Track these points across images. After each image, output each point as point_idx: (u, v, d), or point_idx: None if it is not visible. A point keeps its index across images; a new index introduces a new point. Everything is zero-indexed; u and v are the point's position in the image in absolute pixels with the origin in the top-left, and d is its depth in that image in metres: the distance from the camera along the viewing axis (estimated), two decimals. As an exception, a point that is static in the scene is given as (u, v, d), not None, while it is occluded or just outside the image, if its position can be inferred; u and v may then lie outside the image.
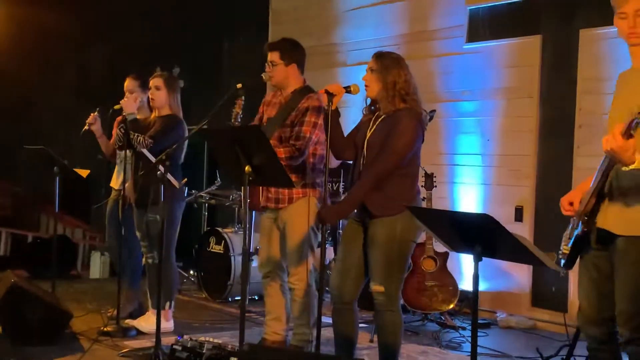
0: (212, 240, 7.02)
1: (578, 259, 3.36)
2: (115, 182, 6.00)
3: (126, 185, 5.49)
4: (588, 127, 6.01)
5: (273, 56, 4.70)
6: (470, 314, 5.08)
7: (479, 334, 3.85)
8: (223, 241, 6.86)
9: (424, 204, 5.56)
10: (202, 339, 4.35)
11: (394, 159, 3.92)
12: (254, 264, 6.09)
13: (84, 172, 5.78)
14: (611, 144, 2.91)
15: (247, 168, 3.85)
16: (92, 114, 5.73)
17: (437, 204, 6.43)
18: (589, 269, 3.33)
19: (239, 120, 4.62)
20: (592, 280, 3.32)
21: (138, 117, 5.36)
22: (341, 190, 6.89)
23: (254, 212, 4.90)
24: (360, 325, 4.56)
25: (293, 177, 4.35)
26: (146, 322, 5.36)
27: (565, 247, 3.34)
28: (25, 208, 10.49)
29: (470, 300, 3.01)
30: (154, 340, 4.55)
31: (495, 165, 6.70)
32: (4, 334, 4.94)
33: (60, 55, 10.29)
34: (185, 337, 4.42)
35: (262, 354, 3.65)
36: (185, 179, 5.30)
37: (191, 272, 7.58)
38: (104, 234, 6.27)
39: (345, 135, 4.18)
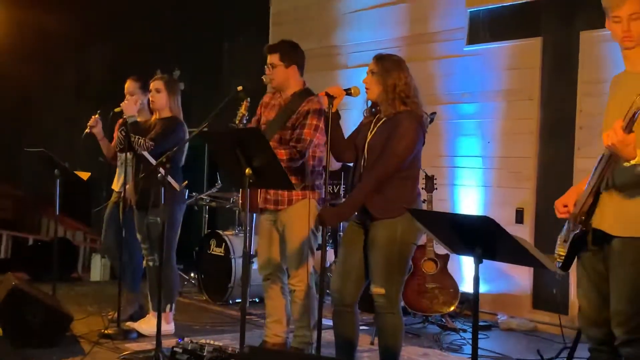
0: (213, 242, 7.02)
1: (575, 260, 3.37)
2: (117, 185, 6.00)
3: (127, 187, 5.49)
4: (588, 129, 6.01)
5: (273, 58, 4.69)
6: (471, 316, 5.09)
7: (479, 336, 3.84)
8: (223, 244, 6.86)
9: (424, 206, 5.56)
10: (203, 341, 4.35)
11: (394, 162, 3.92)
12: (255, 266, 6.08)
13: (84, 175, 5.78)
14: (612, 139, 2.92)
15: (247, 170, 3.85)
16: (93, 117, 5.74)
17: (438, 206, 6.43)
18: (588, 270, 3.34)
19: (244, 122, 4.62)
20: (591, 281, 3.33)
21: (138, 119, 5.36)
22: (342, 192, 6.89)
23: (254, 214, 4.90)
24: (361, 327, 4.57)
25: (293, 179, 4.35)
26: (147, 325, 5.36)
27: (562, 250, 3.34)
28: (25, 211, 10.48)
29: (471, 302, 3.00)
30: (155, 342, 4.56)
31: (496, 168, 6.69)
32: (4, 337, 4.94)
33: (60, 57, 10.28)
34: (186, 339, 4.42)
35: (262, 356, 3.65)
36: (186, 182, 5.30)
37: (192, 274, 7.58)
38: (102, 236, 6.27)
39: (345, 138, 4.19)
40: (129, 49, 9.76)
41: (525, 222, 6.44)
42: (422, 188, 5.22)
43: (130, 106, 5.34)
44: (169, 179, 4.66)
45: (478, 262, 2.87)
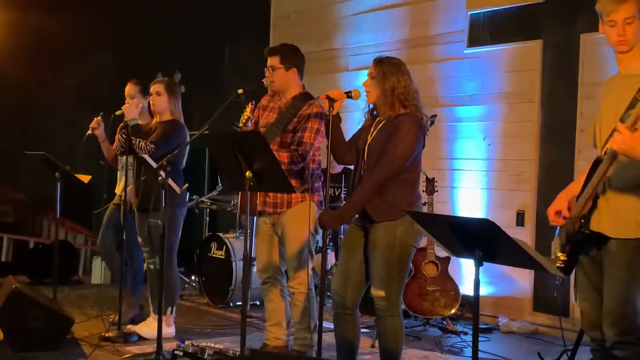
0: (214, 245, 7.01)
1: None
2: (119, 188, 6.01)
3: (128, 190, 5.50)
4: (589, 132, 6.01)
5: (273, 61, 4.70)
6: (472, 319, 5.08)
7: (480, 339, 3.85)
8: (224, 246, 6.86)
9: (425, 209, 5.56)
10: (204, 344, 4.33)
11: (394, 164, 3.92)
12: (255, 269, 6.08)
13: (85, 178, 5.78)
14: (622, 142, 2.94)
15: (247, 173, 3.85)
16: (95, 119, 5.75)
17: (439, 209, 6.43)
18: (587, 273, 3.37)
19: (249, 124, 4.62)
20: (591, 284, 3.35)
21: (139, 122, 5.37)
22: (343, 195, 6.89)
23: (254, 217, 4.90)
24: (362, 330, 4.57)
25: (293, 182, 4.35)
26: (148, 328, 5.36)
27: (562, 255, 3.35)
28: (26, 214, 10.49)
29: (472, 305, 3.00)
30: (156, 345, 4.56)
31: (497, 170, 6.70)
32: (5, 340, 4.93)
33: (61, 60, 10.29)
34: (187, 342, 4.41)
35: (263, 359, 3.65)
36: (187, 184, 5.31)
37: (193, 277, 7.58)
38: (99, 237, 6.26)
39: (346, 141, 4.19)
40: (130, 53, 9.77)
41: (526, 224, 6.44)
42: (423, 191, 5.22)
43: (132, 109, 5.35)
44: (170, 181, 4.67)
45: (478, 264, 2.87)
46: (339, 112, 4.09)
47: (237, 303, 6.75)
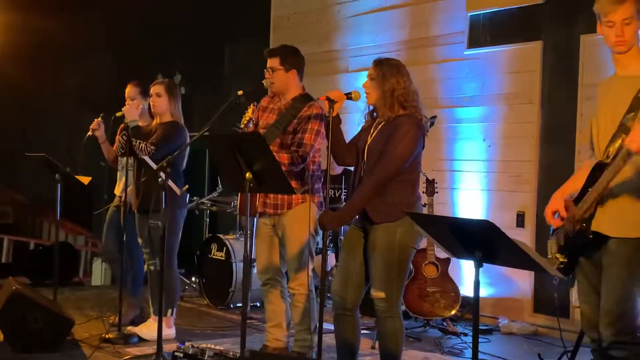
0: (214, 246, 7.01)
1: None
2: (118, 189, 6.01)
3: (128, 191, 5.50)
4: (589, 133, 6.01)
5: (273, 62, 4.70)
6: (472, 320, 5.09)
7: (480, 340, 3.85)
8: (224, 248, 6.86)
9: (425, 210, 5.55)
10: (204, 345, 4.34)
11: (393, 165, 3.92)
12: (256, 270, 6.08)
13: (85, 179, 5.78)
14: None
15: (247, 175, 3.85)
16: (95, 120, 5.75)
17: (439, 210, 6.43)
18: (587, 275, 3.37)
19: (250, 125, 4.62)
20: (592, 286, 3.36)
21: (140, 124, 5.37)
22: (343, 196, 6.89)
23: (255, 218, 4.90)
24: (362, 331, 4.56)
25: (293, 184, 4.35)
26: (148, 329, 5.36)
27: (561, 256, 3.35)
28: (26, 215, 10.51)
29: (472, 306, 3.00)
30: (156, 347, 4.55)
31: (497, 171, 6.70)
32: (5, 341, 4.93)
33: (61, 62, 10.31)
34: (187, 344, 4.42)
35: (263, 360, 3.66)
36: (187, 186, 5.31)
37: (193, 278, 7.58)
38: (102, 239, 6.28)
39: (347, 142, 4.19)
40: (130, 53, 9.79)
41: (526, 225, 6.44)
42: (423, 192, 5.22)
43: (132, 111, 5.36)
44: (170, 183, 4.67)
45: (478, 266, 2.87)
46: (339, 113, 4.09)
47: (238, 304, 6.75)
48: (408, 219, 3.61)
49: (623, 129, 3.20)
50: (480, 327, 5.37)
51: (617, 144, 3.20)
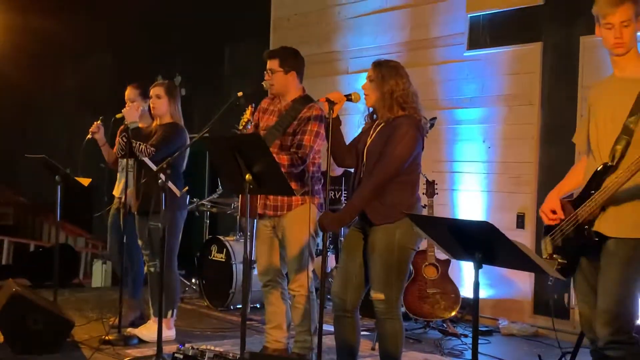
0: (214, 248, 7.01)
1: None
2: (117, 190, 6.01)
3: (127, 192, 5.50)
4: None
5: (272, 64, 4.70)
6: (472, 322, 5.09)
7: (480, 341, 3.85)
8: (224, 249, 6.86)
9: (425, 212, 5.56)
10: (204, 347, 4.34)
11: (392, 166, 3.92)
12: (256, 272, 6.08)
13: (85, 181, 5.78)
14: None
15: (247, 176, 3.85)
16: (95, 123, 5.75)
17: (439, 212, 6.43)
18: (586, 275, 3.38)
19: (248, 127, 4.62)
20: (590, 286, 3.37)
21: (140, 125, 5.38)
22: (343, 198, 6.89)
23: (255, 220, 4.90)
24: (362, 333, 4.56)
25: (293, 185, 4.35)
26: (148, 331, 5.36)
27: (559, 257, 3.35)
28: (26, 217, 10.51)
29: (472, 307, 3.00)
30: (156, 348, 4.56)
31: (497, 173, 6.69)
32: (5, 343, 4.93)
33: (61, 64, 10.32)
34: (187, 345, 4.42)
35: (263, 362, 3.66)
36: (187, 187, 5.31)
37: (193, 280, 7.58)
38: (107, 243, 6.28)
39: (346, 143, 4.19)
40: (130, 56, 9.80)
41: (526, 227, 6.44)
42: (423, 193, 5.22)
43: (132, 112, 5.36)
44: (170, 184, 4.67)
45: (478, 267, 2.87)
46: (338, 114, 4.09)
47: (238, 306, 6.75)
48: (407, 220, 3.62)
49: (626, 131, 3.21)
50: (480, 329, 5.38)
51: (621, 146, 3.22)
